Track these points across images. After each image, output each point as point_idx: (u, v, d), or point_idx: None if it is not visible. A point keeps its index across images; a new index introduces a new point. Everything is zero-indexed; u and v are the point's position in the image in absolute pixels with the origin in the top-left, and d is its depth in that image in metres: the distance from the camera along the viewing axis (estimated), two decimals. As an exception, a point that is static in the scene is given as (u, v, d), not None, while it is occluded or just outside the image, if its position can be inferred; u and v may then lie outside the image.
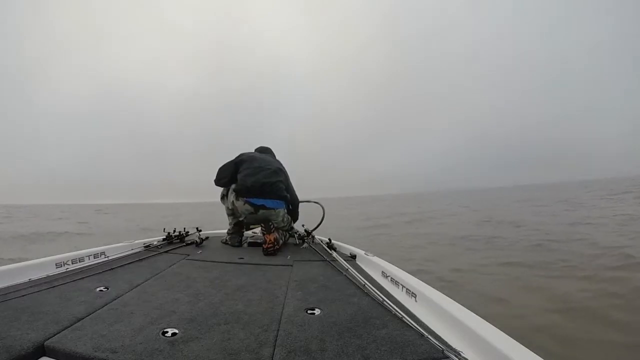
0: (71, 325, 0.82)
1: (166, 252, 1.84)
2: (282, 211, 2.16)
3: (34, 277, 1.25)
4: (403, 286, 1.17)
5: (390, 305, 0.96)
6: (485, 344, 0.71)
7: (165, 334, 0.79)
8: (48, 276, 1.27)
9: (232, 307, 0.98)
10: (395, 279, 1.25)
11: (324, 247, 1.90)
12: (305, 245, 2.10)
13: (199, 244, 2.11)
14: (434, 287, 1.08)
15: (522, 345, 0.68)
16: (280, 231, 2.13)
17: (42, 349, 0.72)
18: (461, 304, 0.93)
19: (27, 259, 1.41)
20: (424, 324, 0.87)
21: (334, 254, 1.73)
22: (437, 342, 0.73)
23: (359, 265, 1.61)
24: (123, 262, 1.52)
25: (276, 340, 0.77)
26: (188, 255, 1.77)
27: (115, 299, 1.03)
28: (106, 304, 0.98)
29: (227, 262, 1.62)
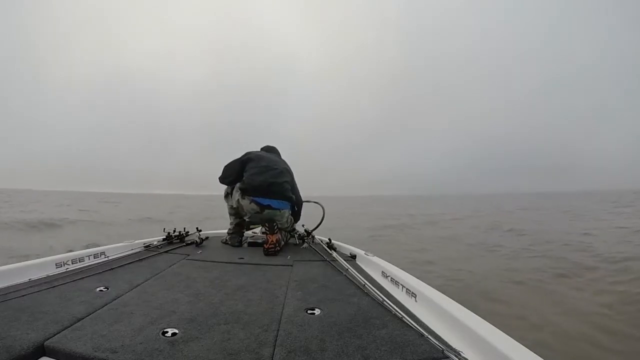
0: (71, 325, 0.82)
1: (166, 252, 1.84)
2: (287, 212, 2.15)
3: (34, 277, 1.25)
4: (403, 286, 1.17)
5: (390, 305, 0.96)
6: (485, 344, 0.71)
7: (165, 334, 0.79)
8: (48, 276, 1.27)
9: (232, 307, 0.98)
10: (395, 279, 1.25)
11: (324, 247, 1.90)
12: (305, 245, 2.10)
13: (199, 244, 2.11)
14: (434, 287, 1.08)
15: (522, 345, 0.68)
16: (283, 232, 2.13)
17: (42, 349, 0.72)
18: (461, 304, 0.93)
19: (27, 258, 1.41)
20: (424, 324, 0.87)
21: (334, 254, 1.73)
22: (437, 342, 0.73)
23: (359, 265, 1.61)
24: (123, 262, 1.52)
25: (276, 340, 0.77)
26: (188, 255, 1.77)
27: (115, 299, 1.03)
28: (106, 304, 0.98)
29: (227, 262, 1.62)
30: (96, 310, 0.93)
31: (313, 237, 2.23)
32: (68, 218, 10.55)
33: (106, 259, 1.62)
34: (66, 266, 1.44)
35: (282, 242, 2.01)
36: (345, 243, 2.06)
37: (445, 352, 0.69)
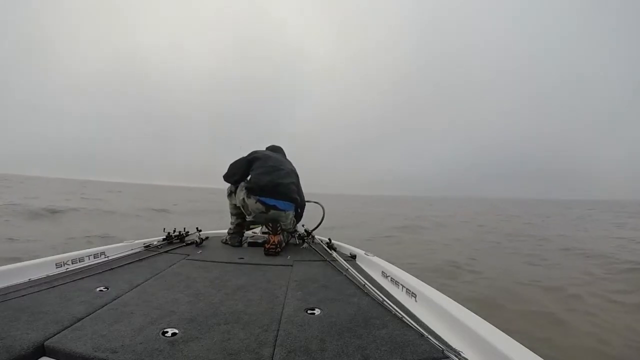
0: (71, 325, 0.82)
1: (166, 252, 1.84)
2: (291, 214, 2.13)
3: (34, 277, 1.25)
4: (403, 286, 1.17)
5: (390, 305, 0.96)
6: (485, 344, 0.71)
7: (165, 334, 0.79)
8: (48, 276, 1.27)
9: (232, 307, 0.98)
10: (395, 279, 1.25)
11: (324, 247, 1.90)
12: (305, 245, 2.10)
13: (199, 244, 2.11)
14: (433, 287, 1.08)
15: (522, 345, 0.68)
16: (285, 233, 2.12)
17: (42, 349, 0.72)
18: (461, 304, 0.93)
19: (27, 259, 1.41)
20: (424, 324, 0.87)
21: (334, 254, 1.73)
22: (437, 342, 0.73)
23: (359, 265, 1.61)
24: (123, 262, 1.52)
25: (276, 340, 0.77)
26: (188, 255, 1.77)
27: (115, 299, 1.03)
28: (106, 304, 0.98)
29: (227, 262, 1.62)
30: (96, 310, 0.93)
31: (313, 237, 2.23)
32: (86, 208, 10.66)
33: (106, 259, 1.62)
34: (66, 266, 1.44)
35: (283, 244, 2.00)
36: (345, 243, 2.06)
37: (445, 352, 0.69)
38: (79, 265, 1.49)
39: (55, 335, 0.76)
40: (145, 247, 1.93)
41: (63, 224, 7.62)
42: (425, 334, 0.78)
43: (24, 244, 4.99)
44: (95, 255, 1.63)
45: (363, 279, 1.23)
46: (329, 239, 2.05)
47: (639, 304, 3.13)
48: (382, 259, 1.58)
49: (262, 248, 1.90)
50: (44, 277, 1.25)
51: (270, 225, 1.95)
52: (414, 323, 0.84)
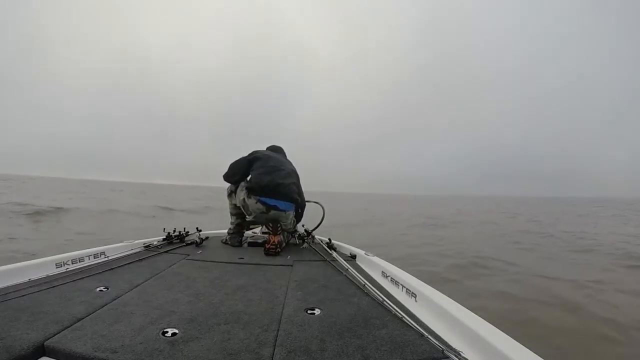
0: (71, 325, 0.82)
1: (166, 252, 1.84)
2: (292, 214, 2.13)
3: (34, 277, 1.25)
4: (403, 286, 1.17)
5: (390, 305, 0.96)
6: (485, 344, 0.71)
7: (165, 334, 0.79)
8: (48, 276, 1.27)
9: (232, 307, 0.98)
10: (395, 279, 1.25)
11: (324, 247, 1.90)
12: (305, 245, 2.10)
13: (199, 244, 2.11)
14: (434, 287, 1.08)
15: (522, 345, 0.68)
16: (285, 233, 2.12)
17: (42, 349, 0.72)
18: (461, 304, 0.93)
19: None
20: (424, 324, 0.87)
21: (334, 254, 1.73)
22: (437, 342, 0.73)
23: (359, 265, 1.61)
24: (123, 262, 1.52)
25: (276, 340, 0.77)
26: (188, 255, 1.77)
27: (115, 299, 1.03)
28: (106, 304, 0.98)
29: (227, 262, 1.62)
30: (96, 310, 0.93)
31: (313, 237, 2.23)
32: (119, 209, 10.59)
33: (106, 259, 1.62)
34: (66, 266, 1.44)
35: (283, 244, 2.00)
36: (345, 243, 2.06)
37: (445, 352, 0.69)
38: (79, 265, 1.49)
39: (55, 335, 0.76)
40: (145, 247, 1.93)
41: (68, 223, 7.60)
42: (425, 334, 0.78)
43: (27, 243, 4.99)
44: (95, 255, 1.63)
45: (363, 279, 1.23)
46: (329, 239, 2.05)
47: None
48: (382, 258, 1.58)
49: (262, 248, 1.90)
50: (44, 277, 1.25)
51: (271, 225, 1.95)
52: (414, 323, 0.84)
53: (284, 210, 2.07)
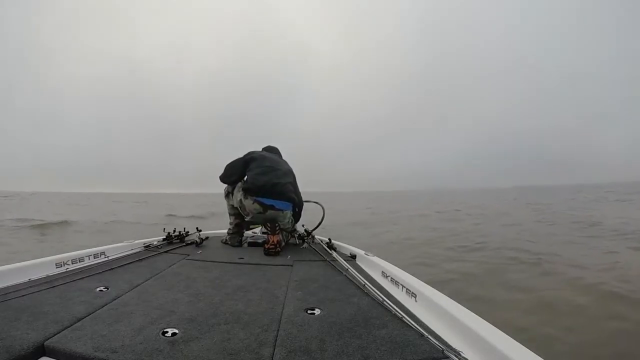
0: (71, 325, 0.82)
1: (166, 252, 1.84)
2: (289, 213, 2.14)
3: (34, 277, 1.25)
4: (403, 286, 1.17)
5: (390, 305, 0.96)
6: (485, 344, 0.71)
7: (165, 334, 0.79)
8: (48, 276, 1.27)
9: (232, 307, 0.98)
10: (395, 279, 1.25)
11: (324, 247, 1.90)
12: (305, 245, 2.10)
13: (199, 244, 2.11)
14: (434, 287, 1.08)
15: (522, 345, 0.68)
16: (284, 232, 2.13)
17: (42, 349, 0.72)
18: (461, 304, 0.93)
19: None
20: (424, 324, 0.87)
21: (334, 254, 1.73)
22: (437, 342, 0.73)
23: (359, 265, 1.61)
24: (123, 262, 1.52)
25: (276, 340, 0.77)
26: (188, 255, 1.77)
27: (115, 299, 1.03)
28: (106, 304, 0.98)
29: (227, 262, 1.62)
30: (96, 310, 0.93)
31: (313, 237, 2.23)
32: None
33: (106, 259, 1.62)
34: (66, 266, 1.44)
35: (283, 243, 2.01)
36: (345, 243, 2.06)
37: (445, 352, 0.69)
38: (79, 265, 1.49)
39: (55, 335, 0.76)
40: (145, 247, 1.93)
41: (72, 236, 7.49)
42: (425, 334, 0.78)
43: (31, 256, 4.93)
44: (95, 255, 1.63)
45: (363, 279, 1.23)
46: (329, 239, 2.05)
47: None
48: (382, 258, 1.58)
49: (262, 248, 1.90)
50: (44, 277, 1.25)
51: (269, 225, 1.95)
52: (414, 323, 0.84)
53: (281, 210, 2.08)
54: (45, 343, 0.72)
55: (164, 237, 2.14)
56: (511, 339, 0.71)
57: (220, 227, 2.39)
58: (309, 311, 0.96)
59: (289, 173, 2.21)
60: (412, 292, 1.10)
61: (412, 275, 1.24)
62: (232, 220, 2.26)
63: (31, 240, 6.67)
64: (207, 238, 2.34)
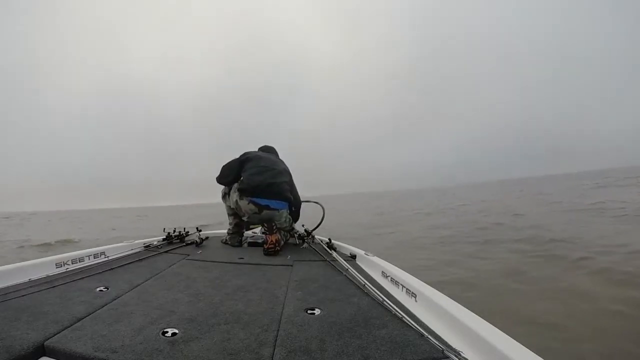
0: (71, 325, 0.82)
1: (166, 252, 1.84)
2: (285, 212, 2.15)
3: (34, 277, 1.25)
4: (403, 286, 1.17)
5: (390, 305, 0.96)
6: (485, 344, 0.71)
7: (165, 334, 0.79)
8: (48, 276, 1.27)
9: (232, 307, 0.98)
10: (395, 279, 1.25)
11: (324, 247, 1.90)
12: (305, 245, 2.10)
13: (199, 244, 2.11)
14: (434, 287, 1.08)
15: (522, 345, 0.68)
16: (282, 232, 2.13)
17: (42, 349, 0.72)
18: (461, 304, 0.93)
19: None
20: (424, 324, 0.87)
21: (334, 254, 1.73)
22: (437, 342, 0.73)
23: (359, 265, 1.61)
24: (123, 262, 1.52)
25: (276, 340, 0.77)
26: (188, 255, 1.77)
27: (115, 299, 1.03)
28: (106, 304, 0.98)
29: (227, 262, 1.62)
30: (96, 310, 0.93)
31: (313, 237, 2.23)
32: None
33: (106, 259, 1.62)
34: (66, 266, 1.44)
35: (282, 242, 2.01)
36: (345, 243, 2.06)
37: (445, 352, 0.69)
38: (79, 265, 1.49)
39: (55, 335, 0.76)
40: (145, 247, 1.94)
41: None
42: (425, 334, 0.78)
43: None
44: (95, 255, 1.63)
45: (363, 279, 1.23)
46: (329, 239, 2.05)
47: None
48: (382, 258, 1.58)
49: (262, 248, 1.90)
50: (44, 277, 1.25)
51: (266, 225, 1.96)
52: (414, 323, 0.84)
53: (277, 209, 2.08)
54: (45, 343, 0.72)
55: (164, 237, 2.14)
56: (511, 339, 0.71)
57: (224, 230, 2.39)
58: (309, 311, 0.96)
59: (285, 172, 2.21)
60: (412, 292, 1.10)
61: (413, 275, 1.24)
62: (231, 221, 2.27)
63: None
64: (207, 238, 2.34)
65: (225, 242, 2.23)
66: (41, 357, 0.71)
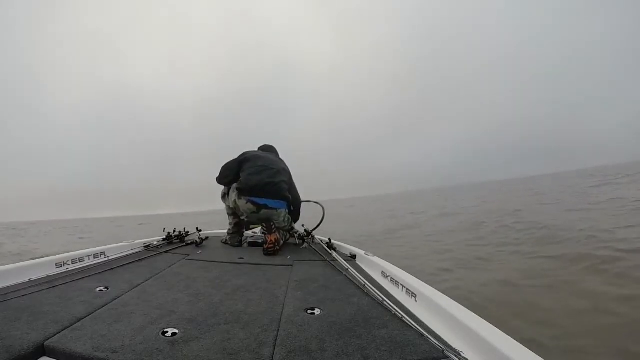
0: (71, 325, 0.82)
1: (166, 252, 1.84)
2: (283, 211, 2.15)
3: (34, 277, 1.25)
4: (403, 286, 1.17)
5: (390, 305, 0.96)
6: (485, 344, 0.71)
7: (165, 334, 0.79)
8: (48, 276, 1.27)
9: (232, 307, 0.98)
10: (395, 279, 1.25)
11: (324, 247, 1.90)
12: (305, 245, 2.10)
13: (199, 244, 2.11)
14: (434, 287, 1.08)
15: (522, 345, 0.68)
16: (281, 231, 2.13)
17: (42, 349, 0.72)
18: (461, 304, 0.93)
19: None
20: (424, 324, 0.87)
21: (334, 254, 1.73)
22: (437, 342, 0.73)
23: (359, 265, 1.61)
24: (123, 262, 1.52)
25: (276, 340, 0.77)
26: (188, 255, 1.77)
27: (115, 299, 1.03)
28: (106, 304, 0.98)
29: (227, 262, 1.62)
30: (96, 310, 0.93)
31: (313, 237, 2.23)
32: None
33: (106, 259, 1.62)
34: (66, 266, 1.44)
35: (282, 242, 2.01)
36: (345, 243, 2.06)
37: (445, 352, 0.69)
38: (79, 265, 1.49)
39: (55, 335, 0.76)
40: (145, 247, 1.94)
41: None
42: (425, 334, 0.78)
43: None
44: (95, 255, 1.63)
45: (363, 279, 1.23)
46: (329, 239, 2.05)
47: None
48: (382, 258, 1.58)
49: (262, 248, 1.90)
50: (44, 277, 1.25)
51: (264, 224, 1.96)
52: (414, 323, 0.84)
53: (275, 209, 2.09)
54: (45, 343, 0.73)
55: (164, 237, 2.15)
56: (511, 339, 0.71)
57: (224, 230, 2.38)
58: (309, 311, 0.96)
59: (284, 172, 2.22)
60: (412, 292, 1.10)
61: (413, 275, 1.24)
62: (230, 221, 2.28)
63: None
64: (207, 238, 2.34)
65: (225, 242, 2.24)
66: (41, 357, 0.71)
